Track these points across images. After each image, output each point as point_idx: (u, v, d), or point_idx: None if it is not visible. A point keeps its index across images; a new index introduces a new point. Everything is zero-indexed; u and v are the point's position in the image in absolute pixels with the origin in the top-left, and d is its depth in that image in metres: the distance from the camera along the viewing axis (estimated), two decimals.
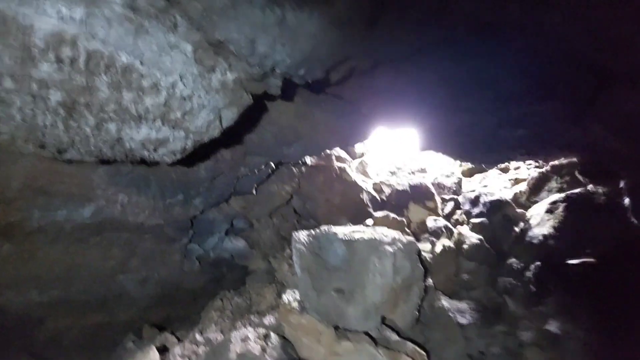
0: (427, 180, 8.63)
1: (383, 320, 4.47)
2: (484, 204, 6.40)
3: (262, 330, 4.95)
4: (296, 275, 4.71)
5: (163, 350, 5.90)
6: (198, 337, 5.64)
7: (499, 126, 5.02)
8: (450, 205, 7.95)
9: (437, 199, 8.09)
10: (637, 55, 2.79)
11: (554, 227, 5.31)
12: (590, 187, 5.59)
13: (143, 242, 6.30)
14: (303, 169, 8.13)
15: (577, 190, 5.61)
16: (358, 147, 9.93)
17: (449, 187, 8.57)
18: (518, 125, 4.93)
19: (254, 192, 6.98)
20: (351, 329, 4.11)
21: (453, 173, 9.13)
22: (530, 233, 5.55)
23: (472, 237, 5.80)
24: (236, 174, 6.21)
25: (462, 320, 4.81)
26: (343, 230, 4.71)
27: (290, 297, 5.13)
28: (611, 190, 5.32)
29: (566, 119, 4.34)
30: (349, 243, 4.42)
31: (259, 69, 3.31)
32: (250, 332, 4.80)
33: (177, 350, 5.41)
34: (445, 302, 5.15)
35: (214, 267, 8.14)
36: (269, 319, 5.69)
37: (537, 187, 7.06)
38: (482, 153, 5.66)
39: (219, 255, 8.03)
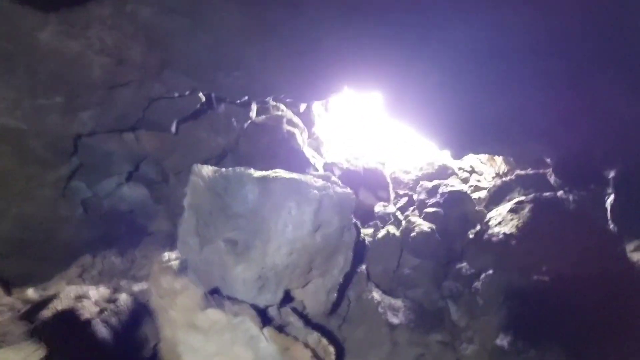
0: (384, 171, 7.66)
1: (288, 299, 3.18)
2: (442, 194, 5.48)
3: (122, 295, 3.46)
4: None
5: None
6: (32, 293, 3.98)
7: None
8: (403, 201, 6.97)
9: (391, 191, 7.11)
10: None
11: (517, 227, 4.45)
12: (560, 193, 4.86)
13: None
14: (245, 124, 6.78)
15: (546, 194, 4.84)
16: (317, 126, 8.79)
17: (406, 183, 7.65)
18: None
19: (173, 129, 5.48)
20: (236, 298, 2.78)
21: (411, 171, 8.29)
22: (490, 231, 4.65)
23: (423, 225, 4.78)
24: (148, 91, 4.72)
25: (394, 320, 3.68)
26: (263, 172, 3.44)
27: (174, 254, 3.72)
28: (584, 198, 4.60)
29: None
30: (264, 183, 3.16)
31: None
32: (98, 291, 3.30)
33: None
34: (377, 294, 4.00)
35: (107, 222, 6.35)
36: (142, 285, 4.20)
37: (498, 195, 6.31)
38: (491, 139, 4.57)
39: (115, 207, 6.29)
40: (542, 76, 3.72)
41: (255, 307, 2.73)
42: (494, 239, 4.46)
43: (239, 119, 6.63)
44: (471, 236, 5.06)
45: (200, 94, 5.21)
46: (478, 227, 5.26)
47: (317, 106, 8.60)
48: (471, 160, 8.38)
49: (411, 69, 4.61)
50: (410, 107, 5.03)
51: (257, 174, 3.38)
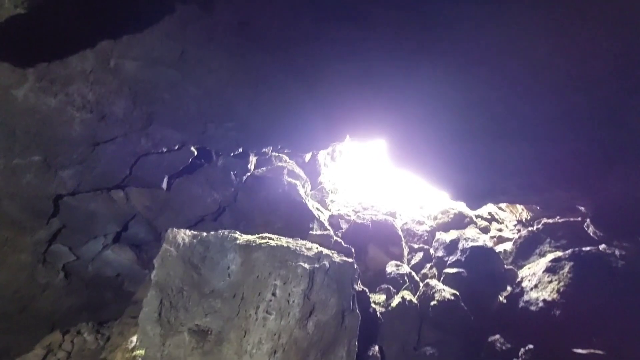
0: (395, 222, 7.02)
1: None
2: (463, 251, 4.76)
3: None
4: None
5: None
6: None
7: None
8: (419, 256, 6.25)
9: (404, 245, 6.41)
10: None
11: (559, 292, 3.67)
12: (603, 246, 4.13)
13: None
14: (244, 177, 6.41)
15: (586, 248, 4.11)
16: (323, 176, 8.37)
17: (420, 235, 6.95)
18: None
19: (164, 186, 5.11)
20: None
21: (425, 221, 7.61)
22: (525, 297, 3.86)
23: (445, 292, 4.03)
24: (134, 147, 4.41)
25: None
26: (249, 237, 2.91)
27: None
28: (633, 252, 3.86)
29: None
30: (248, 252, 2.60)
31: None
32: None
33: None
34: None
35: (92, 288, 5.80)
36: None
37: (525, 247, 5.55)
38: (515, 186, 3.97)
39: (100, 272, 5.76)
40: (569, 115, 3.25)
41: None
42: (533, 307, 3.67)
43: (237, 172, 6.27)
44: (502, 300, 4.25)
45: (192, 148, 4.89)
46: (509, 289, 4.46)
47: (322, 155, 8.28)
48: (489, 207, 7.72)
49: (417, 108, 4.22)
50: (416, 154, 4.57)
51: (242, 238, 2.84)
